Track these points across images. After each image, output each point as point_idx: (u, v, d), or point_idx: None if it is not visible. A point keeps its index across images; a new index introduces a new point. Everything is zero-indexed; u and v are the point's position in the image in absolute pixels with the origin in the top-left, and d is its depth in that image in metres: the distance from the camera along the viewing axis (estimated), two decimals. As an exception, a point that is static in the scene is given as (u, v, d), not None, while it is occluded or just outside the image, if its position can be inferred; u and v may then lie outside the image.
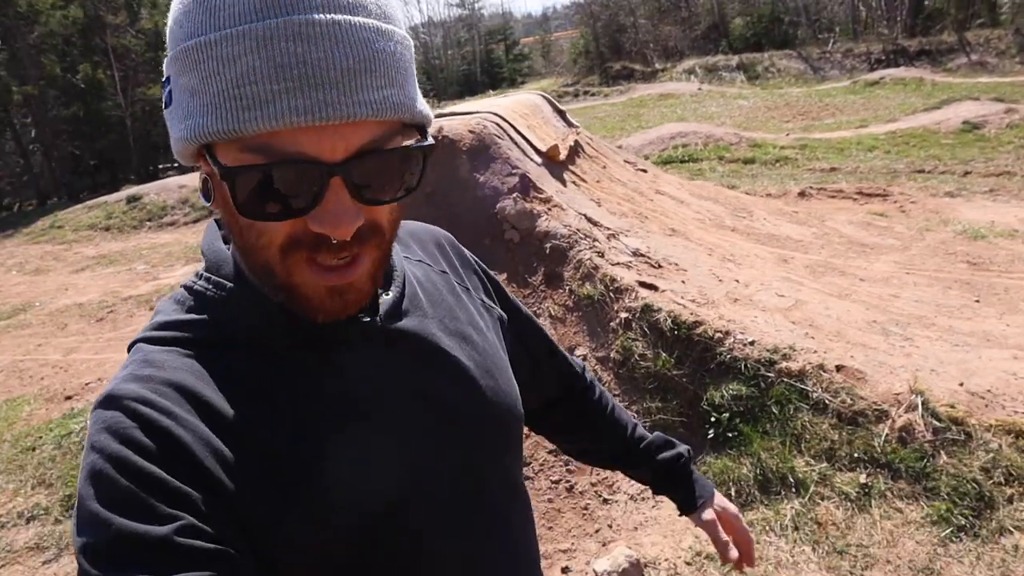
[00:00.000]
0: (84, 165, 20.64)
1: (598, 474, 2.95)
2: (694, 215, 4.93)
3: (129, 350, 0.66)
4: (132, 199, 13.27)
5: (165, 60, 0.60)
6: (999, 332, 3.68)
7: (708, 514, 1.07)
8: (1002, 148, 8.38)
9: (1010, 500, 2.51)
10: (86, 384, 5.20)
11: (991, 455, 2.61)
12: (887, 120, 11.31)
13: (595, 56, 26.82)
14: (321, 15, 0.53)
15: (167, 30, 0.59)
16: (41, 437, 4.34)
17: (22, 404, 5.04)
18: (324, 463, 0.61)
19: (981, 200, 6.55)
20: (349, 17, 0.54)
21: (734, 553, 1.04)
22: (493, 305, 0.91)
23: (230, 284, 0.66)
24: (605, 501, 2.88)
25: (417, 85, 0.63)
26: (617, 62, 25.69)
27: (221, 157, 0.57)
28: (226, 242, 0.70)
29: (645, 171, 5.57)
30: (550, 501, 2.90)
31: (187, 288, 0.68)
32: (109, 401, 0.58)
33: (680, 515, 1.11)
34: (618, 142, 10.45)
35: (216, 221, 0.72)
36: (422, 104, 0.62)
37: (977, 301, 4.14)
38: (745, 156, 9.49)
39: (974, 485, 2.54)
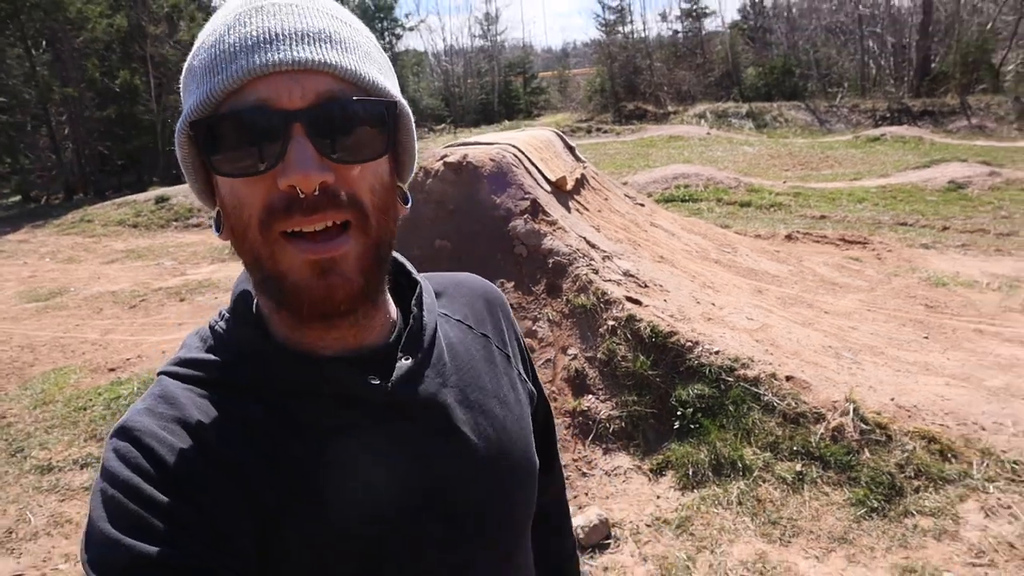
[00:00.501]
0: (111, 164, 21.50)
1: (579, 452, 3.49)
2: (683, 247, 5.52)
3: (157, 375, 0.71)
4: (160, 199, 13.97)
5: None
6: (939, 363, 4.22)
7: None
8: (981, 208, 8.99)
9: (916, 490, 3.04)
10: (127, 359, 5.75)
11: (906, 454, 3.15)
12: (880, 175, 11.95)
13: (610, 95, 27.64)
14: (283, 1, 0.62)
15: None
16: (91, 399, 4.90)
17: (69, 373, 5.59)
18: (302, 519, 0.64)
19: (952, 253, 7.13)
20: (307, 2, 0.63)
21: None
22: (527, 379, 0.91)
23: (239, 328, 0.70)
24: (584, 475, 3.42)
25: (395, 81, 0.69)
26: (631, 102, 26.53)
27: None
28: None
29: (643, 205, 6.17)
30: (538, 472, 3.43)
31: (210, 327, 0.73)
32: (123, 432, 0.62)
33: None
34: (624, 179, 11.10)
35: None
36: (392, 87, 0.66)
37: (926, 337, 4.69)
38: (742, 199, 10.13)
39: (889, 477, 3.08)
